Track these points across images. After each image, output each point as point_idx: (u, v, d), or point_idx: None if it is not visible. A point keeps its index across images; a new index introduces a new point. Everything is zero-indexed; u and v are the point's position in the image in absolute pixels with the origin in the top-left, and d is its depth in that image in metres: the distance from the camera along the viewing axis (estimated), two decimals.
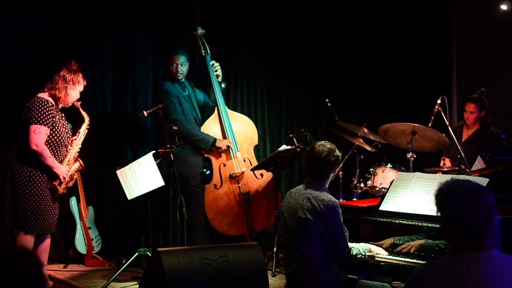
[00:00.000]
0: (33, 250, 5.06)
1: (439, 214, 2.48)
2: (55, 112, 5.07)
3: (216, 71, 6.35)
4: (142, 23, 6.74)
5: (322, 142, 4.07)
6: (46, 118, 4.97)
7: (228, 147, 6.27)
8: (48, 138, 5.02)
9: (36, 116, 4.95)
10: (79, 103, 5.30)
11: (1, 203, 5.19)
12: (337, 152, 4.04)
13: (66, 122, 5.25)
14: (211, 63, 6.36)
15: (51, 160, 5.02)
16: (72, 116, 5.50)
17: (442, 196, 2.46)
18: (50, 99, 5.07)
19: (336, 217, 3.85)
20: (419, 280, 2.39)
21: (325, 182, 4.03)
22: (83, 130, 5.30)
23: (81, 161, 5.29)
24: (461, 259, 2.43)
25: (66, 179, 5.12)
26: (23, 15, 6.13)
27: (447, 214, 2.45)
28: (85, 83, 5.25)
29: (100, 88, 6.58)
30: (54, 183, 5.07)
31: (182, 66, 6.14)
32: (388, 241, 4.22)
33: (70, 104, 5.22)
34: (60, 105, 5.18)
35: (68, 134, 5.22)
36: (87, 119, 5.33)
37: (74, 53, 6.43)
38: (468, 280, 2.38)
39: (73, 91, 5.16)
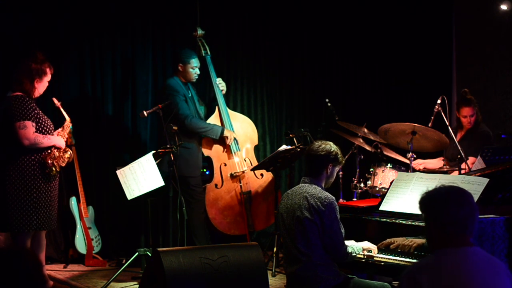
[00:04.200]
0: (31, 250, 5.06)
1: (424, 216, 2.65)
2: (34, 105, 5.06)
3: (222, 89, 6.42)
4: (142, 23, 6.74)
5: (326, 141, 4.09)
6: (28, 113, 4.96)
7: (230, 146, 6.30)
8: (36, 131, 5.01)
9: (18, 113, 4.93)
10: (60, 103, 5.26)
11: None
12: (334, 151, 4.02)
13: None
14: (217, 82, 6.38)
15: (46, 140, 5.02)
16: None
17: (428, 200, 2.64)
18: (24, 95, 5.03)
19: (333, 214, 3.86)
20: (412, 279, 2.47)
21: (319, 179, 4.01)
22: (67, 124, 5.27)
23: (71, 151, 5.26)
24: (447, 254, 2.52)
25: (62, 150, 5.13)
26: (22, 14, 6.13)
27: (433, 213, 2.59)
28: (52, 72, 5.17)
29: (100, 88, 6.58)
30: (47, 159, 5.03)
31: (198, 69, 6.21)
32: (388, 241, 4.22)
33: (39, 94, 5.14)
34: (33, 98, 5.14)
35: (52, 127, 5.18)
36: (68, 119, 5.29)
37: (74, 53, 6.44)
38: (455, 274, 2.46)
39: (40, 82, 5.10)
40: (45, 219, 5.07)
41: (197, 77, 6.25)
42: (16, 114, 4.93)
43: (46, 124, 5.10)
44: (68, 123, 5.28)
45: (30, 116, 4.96)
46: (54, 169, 5.06)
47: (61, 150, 5.15)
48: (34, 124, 4.98)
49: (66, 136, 5.28)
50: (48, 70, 5.13)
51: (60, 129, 5.24)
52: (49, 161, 5.04)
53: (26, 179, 4.98)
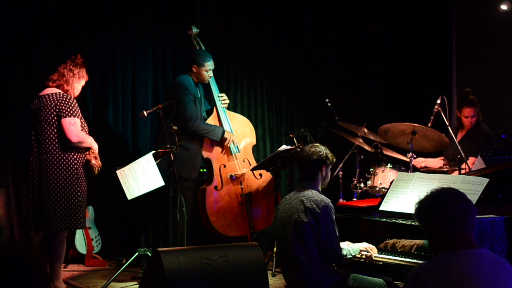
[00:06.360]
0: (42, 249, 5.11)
1: (423, 223, 2.64)
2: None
3: (224, 105, 6.39)
4: (142, 23, 6.74)
5: (314, 144, 4.15)
6: (75, 111, 5.08)
7: (230, 147, 6.29)
8: (82, 129, 5.14)
9: (68, 110, 5.03)
10: None
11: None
12: (324, 152, 4.07)
13: None
14: (219, 96, 6.37)
15: (90, 139, 5.19)
16: None
17: (423, 206, 2.64)
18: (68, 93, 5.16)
19: (329, 217, 3.90)
20: (417, 280, 2.43)
21: (315, 183, 4.08)
22: (86, 130, 5.37)
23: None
24: (454, 256, 2.51)
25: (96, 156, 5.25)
26: (22, 14, 6.13)
27: (430, 216, 2.58)
28: (87, 79, 5.34)
29: (100, 88, 6.58)
30: (91, 158, 5.14)
31: (212, 72, 6.21)
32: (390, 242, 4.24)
33: (74, 96, 5.27)
34: None
35: (87, 128, 5.33)
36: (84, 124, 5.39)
37: (74, 53, 6.43)
38: (463, 275, 2.44)
39: (78, 84, 5.24)
40: (82, 218, 5.18)
41: (210, 80, 6.26)
42: (64, 110, 5.02)
43: (85, 125, 5.23)
44: (86, 128, 5.36)
45: (77, 114, 5.09)
46: (97, 168, 5.19)
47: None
48: (80, 122, 5.10)
49: None
50: (85, 74, 5.26)
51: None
52: (93, 161, 5.13)
53: (70, 178, 5.06)
